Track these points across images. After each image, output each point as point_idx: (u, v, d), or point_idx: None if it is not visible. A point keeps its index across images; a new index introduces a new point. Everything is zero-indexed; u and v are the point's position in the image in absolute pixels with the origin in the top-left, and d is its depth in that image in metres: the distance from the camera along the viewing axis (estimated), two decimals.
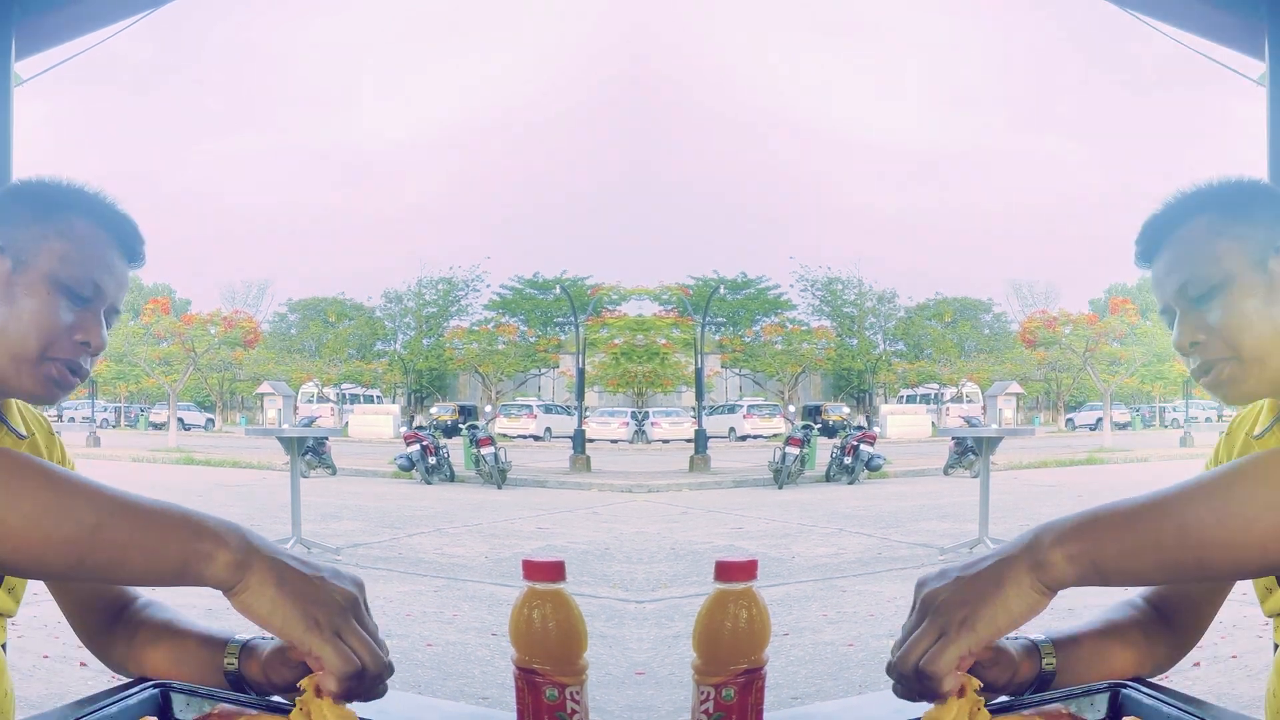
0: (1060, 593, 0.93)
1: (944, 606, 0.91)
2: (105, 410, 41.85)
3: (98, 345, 1.24)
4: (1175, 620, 1.31)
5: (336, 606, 0.92)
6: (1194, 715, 1.01)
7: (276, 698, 1.11)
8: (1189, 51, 3.01)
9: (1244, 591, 1.38)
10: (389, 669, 0.95)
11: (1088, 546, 0.90)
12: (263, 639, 1.16)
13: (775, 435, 30.99)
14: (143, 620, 1.30)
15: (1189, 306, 1.23)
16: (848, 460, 17.67)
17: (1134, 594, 1.36)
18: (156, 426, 39.83)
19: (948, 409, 35.57)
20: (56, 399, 1.25)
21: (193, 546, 0.90)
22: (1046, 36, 69.00)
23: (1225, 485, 0.91)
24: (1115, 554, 0.90)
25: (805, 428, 17.79)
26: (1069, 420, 41.54)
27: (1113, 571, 0.91)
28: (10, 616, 1.33)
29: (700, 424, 21.51)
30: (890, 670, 1.04)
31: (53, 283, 1.20)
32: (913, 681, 0.92)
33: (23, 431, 1.32)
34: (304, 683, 0.95)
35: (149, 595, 1.36)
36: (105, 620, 1.32)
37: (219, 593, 0.94)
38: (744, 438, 34.22)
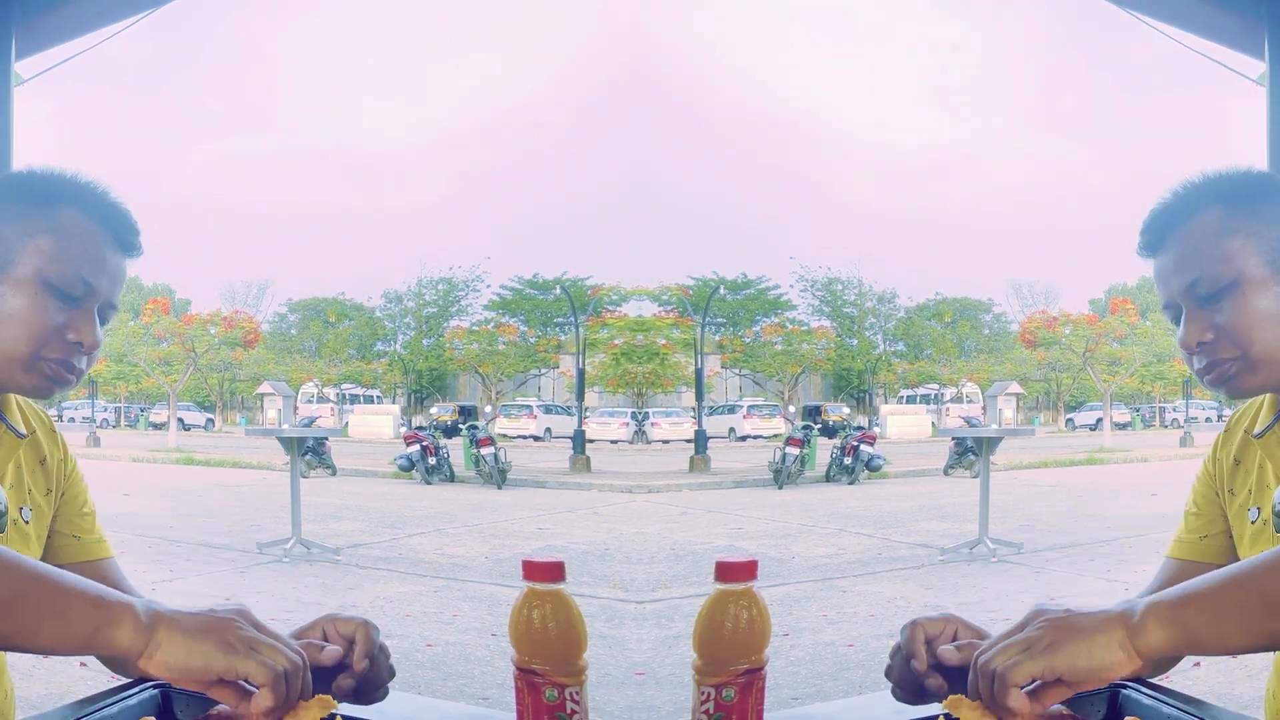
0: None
1: (1043, 625, 0.95)
2: (105, 410, 41.84)
3: (91, 344, 1.21)
4: None
5: (236, 626, 0.95)
6: (1194, 715, 1.00)
7: None
8: (1189, 51, 3.01)
9: None
10: (303, 660, 0.96)
11: (1178, 613, 0.93)
12: None
13: (775, 435, 30.99)
14: None
15: (1197, 305, 1.20)
16: (848, 460, 17.67)
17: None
18: (156, 426, 39.82)
19: (948, 409, 35.57)
20: (53, 394, 1.24)
21: (102, 614, 0.93)
22: (1046, 36, 69.02)
23: None
24: (1202, 621, 0.93)
25: (805, 428, 17.79)
26: (1069, 420, 41.54)
27: (1201, 638, 0.93)
28: None
29: (700, 424, 21.51)
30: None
31: (42, 282, 1.17)
32: (987, 681, 0.94)
33: (22, 430, 1.31)
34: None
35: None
36: None
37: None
38: (744, 438, 34.22)
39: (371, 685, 1.05)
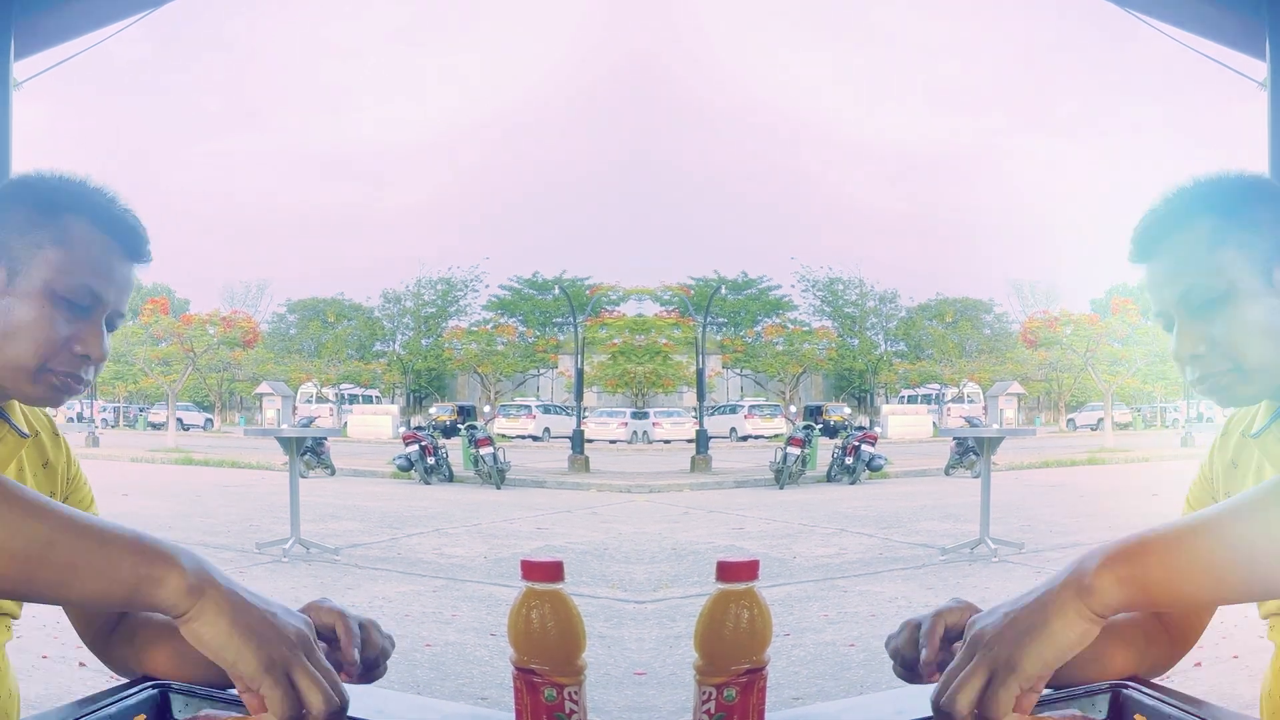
0: None
1: (991, 643, 0.89)
2: (104, 410, 41.86)
3: (98, 356, 1.20)
4: (1172, 622, 1.30)
5: (290, 644, 0.90)
6: (1194, 715, 1.00)
7: None
8: (1190, 52, 3.01)
9: None
10: (343, 705, 0.92)
11: (1135, 570, 0.88)
12: None
13: (776, 435, 31.00)
14: (145, 618, 1.30)
15: (1190, 316, 1.19)
16: (849, 460, 17.67)
17: None
18: (155, 426, 39.87)
19: (949, 409, 35.58)
20: (60, 403, 1.24)
21: (145, 570, 0.88)
22: (1047, 37, 69.02)
23: (1276, 498, 0.88)
24: (1164, 575, 0.88)
25: (806, 428, 17.79)
26: (1070, 420, 41.57)
27: (1162, 594, 0.88)
28: (15, 617, 1.33)
29: (701, 424, 21.52)
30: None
31: (49, 294, 1.17)
32: None
33: (25, 430, 1.30)
34: None
35: None
36: (110, 620, 1.31)
37: None
38: (745, 438, 34.24)
39: (370, 667, 1.07)
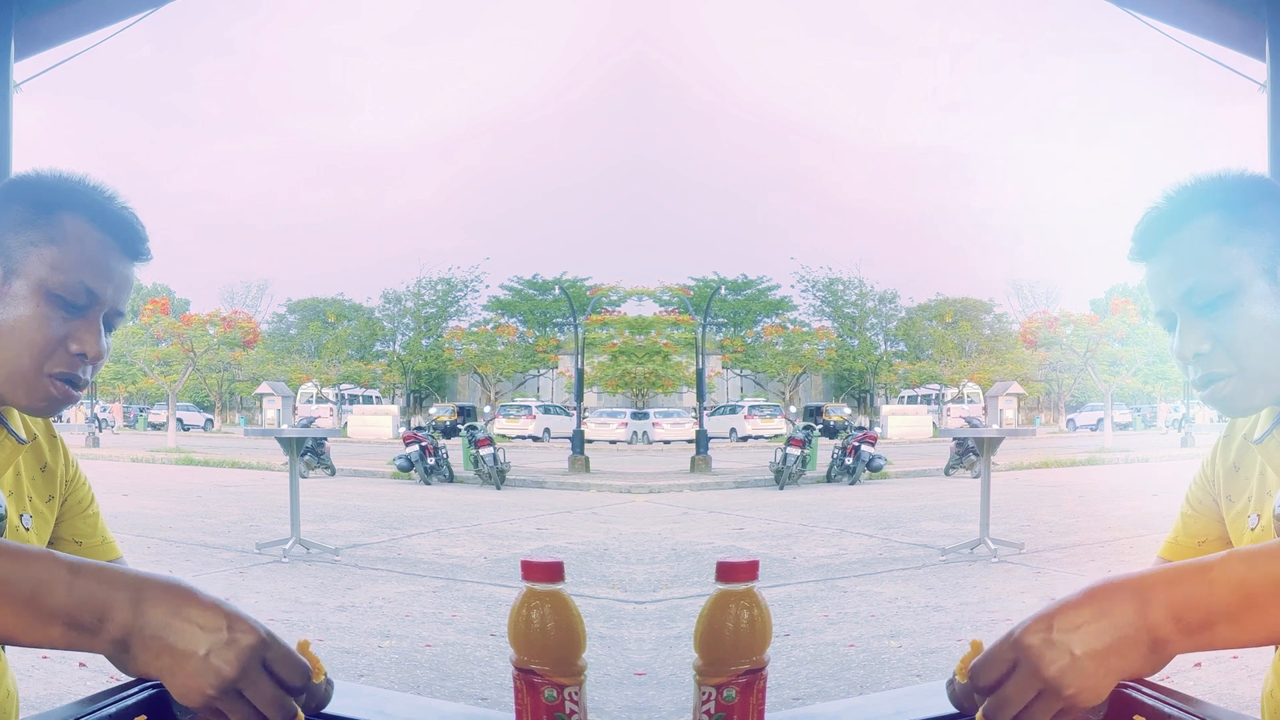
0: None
1: (1060, 687, 0.88)
2: (104, 410, 41.88)
3: (95, 354, 1.19)
4: None
5: (219, 687, 0.88)
6: (1194, 715, 1.00)
7: None
8: (1190, 53, 3.00)
9: None
10: None
11: (1206, 634, 0.90)
12: None
13: (776, 436, 31.01)
14: None
15: (1193, 314, 1.17)
16: (849, 461, 17.67)
17: None
18: (155, 427, 39.90)
19: (949, 409, 35.61)
20: (55, 413, 1.23)
21: (76, 627, 0.88)
22: (1047, 37, 69.02)
23: None
24: (1230, 635, 0.89)
25: (806, 428, 17.79)
26: (1070, 421, 41.55)
27: (1224, 644, 0.91)
28: None
29: (701, 425, 21.52)
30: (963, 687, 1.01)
31: (44, 292, 1.15)
32: None
33: (23, 435, 1.30)
34: None
35: None
36: None
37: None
38: (745, 438, 34.24)
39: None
